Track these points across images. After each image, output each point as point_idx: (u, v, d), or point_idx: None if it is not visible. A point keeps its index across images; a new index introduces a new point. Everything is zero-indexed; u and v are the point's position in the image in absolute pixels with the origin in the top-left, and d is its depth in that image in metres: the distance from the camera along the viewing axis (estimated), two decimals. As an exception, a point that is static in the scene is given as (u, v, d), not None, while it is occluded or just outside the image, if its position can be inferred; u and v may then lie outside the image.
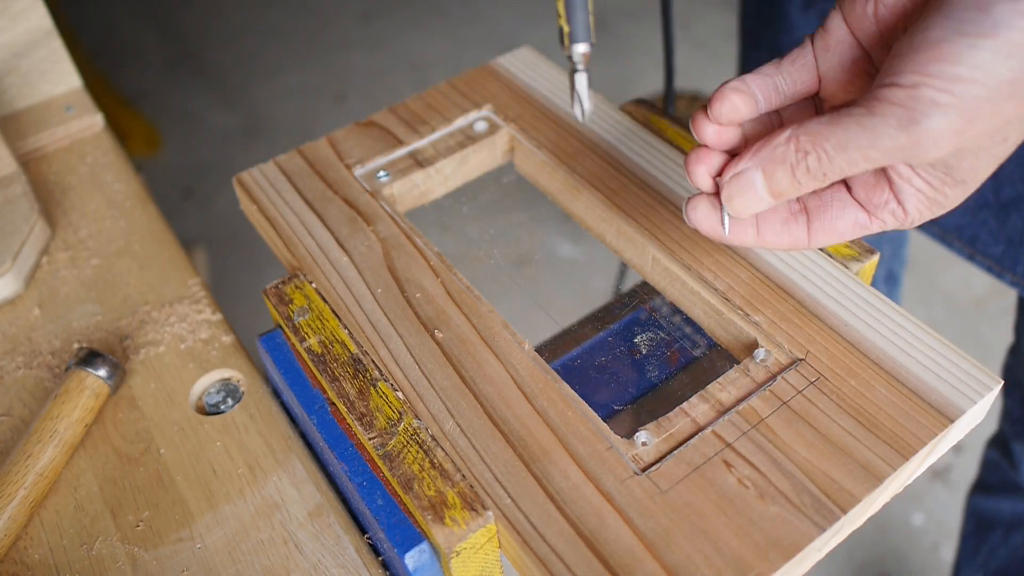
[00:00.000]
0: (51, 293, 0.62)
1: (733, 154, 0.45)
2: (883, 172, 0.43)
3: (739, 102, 0.44)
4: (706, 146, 0.45)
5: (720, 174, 0.44)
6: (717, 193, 0.45)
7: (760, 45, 0.95)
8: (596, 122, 0.62)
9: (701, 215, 0.46)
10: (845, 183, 0.45)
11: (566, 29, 0.37)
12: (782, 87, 0.45)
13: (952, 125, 0.36)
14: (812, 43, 0.44)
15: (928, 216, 0.43)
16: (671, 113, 0.65)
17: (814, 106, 0.47)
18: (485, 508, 0.42)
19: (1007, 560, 1.11)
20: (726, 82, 0.45)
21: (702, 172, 0.45)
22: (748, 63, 1.00)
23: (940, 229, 0.82)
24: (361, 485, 0.45)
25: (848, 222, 0.45)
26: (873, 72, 0.44)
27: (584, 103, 0.40)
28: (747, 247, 0.50)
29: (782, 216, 0.46)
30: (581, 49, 0.39)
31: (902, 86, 0.36)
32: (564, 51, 0.39)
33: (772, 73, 0.45)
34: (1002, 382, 0.44)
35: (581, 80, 0.40)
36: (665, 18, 0.73)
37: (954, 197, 0.42)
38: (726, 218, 0.45)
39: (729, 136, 0.45)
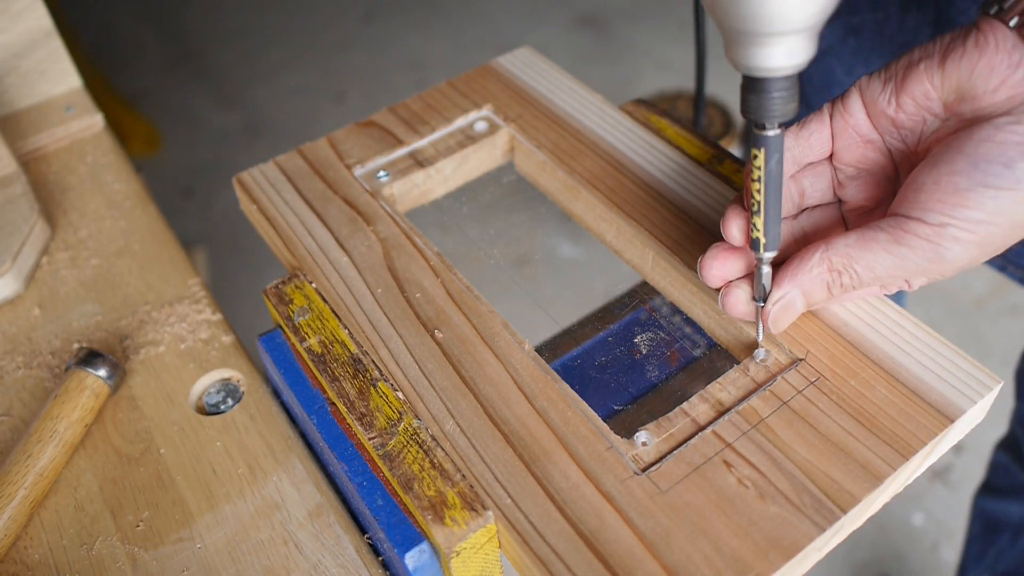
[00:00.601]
0: (51, 293, 0.62)
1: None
2: None
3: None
4: (723, 243, 0.47)
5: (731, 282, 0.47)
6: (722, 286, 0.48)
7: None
8: (596, 122, 0.62)
9: (742, 308, 0.47)
10: None
11: (763, 240, 0.44)
12: (799, 158, 0.47)
13: (970, 255, 0.41)
14: (831, 117, 0.47)
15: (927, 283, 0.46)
16: (700, 130, 0.65)
17: (831, 176, 0.49)
18: (485, 508, 0.42)
19: (1015, 563, 1.11)
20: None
21: (716, 276, 0.47)
22: None
23: None
24: (361, 485, 0.45)
25: (860, 294, 0.48)
26: (885, 151, 0.47)
27: (767, 291, 0.46)
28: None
29: None
30: (770, 255, 0.45)
31: (929, 224, 0.41)
32: (755, 252, 0.45)
33: (792, 147, 0.47)
34: (1002, 382, 0.44)
35: (768, 274, 0.45)
36: (698, 38, 0.74)
37: (953, 275, 0.46)
38: (761, 328, 0.47)
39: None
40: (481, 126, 0.63)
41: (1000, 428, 1.13)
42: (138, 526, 0.48)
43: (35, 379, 0.56)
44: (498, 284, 0.73)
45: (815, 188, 0.49)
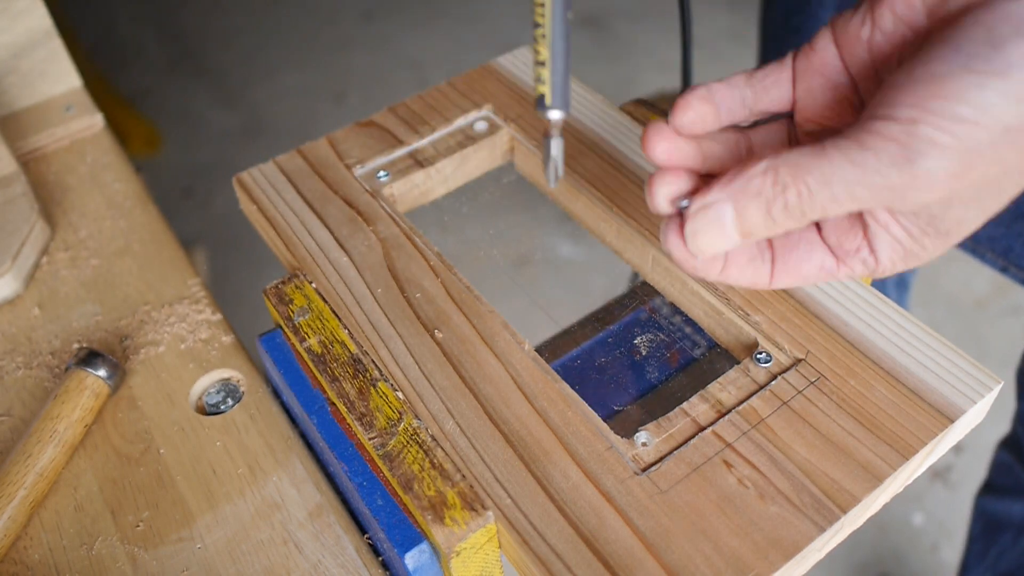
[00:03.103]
0: (51, 293, 0.62)
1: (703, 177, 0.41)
2: (859, 217, 0.38)
3: (706, 112, 0.40)
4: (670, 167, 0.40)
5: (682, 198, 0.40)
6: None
7: (784, 56, 0.92)
8: (596, 122, 0.62)
9: (672, 241, 0.40)
10: (816, 224, 0.40)
11: (548, 98, 0.37)
12: (749, 102, 0.41)
13: (950, 168, 0.33)
14: (794, 60, 0.41)
15: (900, 268, 0.39)
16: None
17: (787, 131, 0.43)
18: (485, 508, 0.42)
19: (1017, 563, 1.11)
20: (690, 89, 0.40)
21: (662, 197, 0.40)
22: None
23: (972, 241, 0.80)
24: (361, 485, 0.45)
25: (814, 266, 0.41)
26: (858, 104, 0.40)
27: (559, 170, 0.40)
28: (710, 281, 0.45)
29: (749, 252, 0.41)
30: (557, 116, 0.38)
31: (899, 120, 0.33)
32: (540, 111, 0.39)
33: (740, 85, 0.41)
34: (1002, 382, 0.44)
35: (557, 146, 0.40)
36: (684, 20, 0.71)
37: (933, 250, 0.38)
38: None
39: (684, 155, 0.40)
40: (481, 126, 0.63)
41: (1001, 428, 1.13)
42: (138, 526, 0.48)
43: (35, 379, 0.56)
44: (498, 284, 0.73)
45: (766, 147, 0.42)
